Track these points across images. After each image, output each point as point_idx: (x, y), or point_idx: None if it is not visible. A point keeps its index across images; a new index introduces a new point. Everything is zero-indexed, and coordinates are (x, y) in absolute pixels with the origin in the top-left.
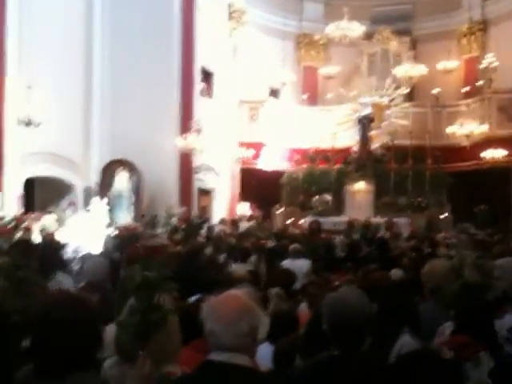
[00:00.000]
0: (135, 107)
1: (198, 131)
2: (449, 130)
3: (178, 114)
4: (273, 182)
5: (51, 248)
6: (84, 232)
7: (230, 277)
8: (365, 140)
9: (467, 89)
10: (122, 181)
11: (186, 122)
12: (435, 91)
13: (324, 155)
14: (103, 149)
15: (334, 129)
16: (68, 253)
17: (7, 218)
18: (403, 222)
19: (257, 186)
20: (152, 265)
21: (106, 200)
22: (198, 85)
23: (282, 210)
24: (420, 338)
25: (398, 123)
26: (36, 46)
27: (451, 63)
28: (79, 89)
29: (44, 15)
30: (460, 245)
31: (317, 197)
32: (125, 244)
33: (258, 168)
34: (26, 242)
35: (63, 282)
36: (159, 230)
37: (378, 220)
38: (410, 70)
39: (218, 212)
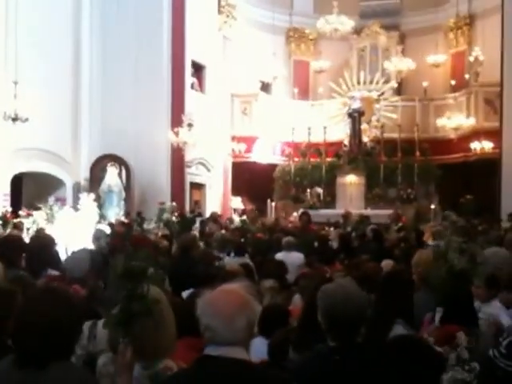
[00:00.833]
0: (125, 102)
1: (190, 125)
2: (437, 123)
3: (169, 108)
4: (265, 176)
5: (41, 244)
6: (73, 228)
7: (223, 271)
8: (355, 133)
9: (454, 82)
10: (112, 176)
11: (177, 116)
12: (424, 84)
13: (315, 149)
14: (93, 144)
15: (325, 122)
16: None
17: None
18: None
19: (249, 179)
20: (137, 255)
21: (94, 196)
22: (189, 79)
23: (275, 203)
24: (413, 328)
25: (388, 117)
26: (23, 39)
27: (439, 57)
28: (68, 83)
29: (32, 8)
30: (443, 232)
31: (309, 190)
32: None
33: (251, 162)
34: (14, 239)
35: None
36: (148, 227)
37: (376, 212)
38: (398, 64)
39: (211, 206)
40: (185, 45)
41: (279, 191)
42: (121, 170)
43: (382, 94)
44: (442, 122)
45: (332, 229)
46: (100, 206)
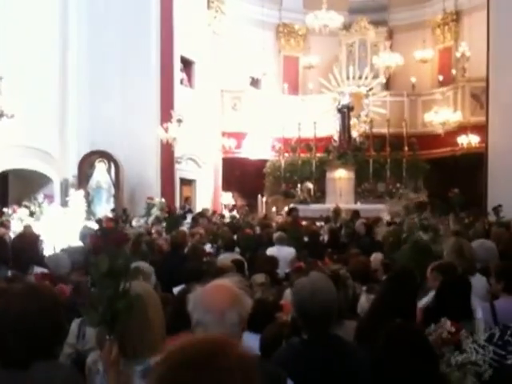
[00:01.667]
0: (114, 97)
1: (179, 121)
2: (425, 118)
3: (158, 103)
4: (255, 172)
5: (26, 242)
6: (61, 225)
7: (214, 266)
8: (345, 129)
9: (442, 77)
10: (100, 173)
11: (166, 112)
12: (412, 80)
13: (305, 144)
14: (81, 140)
15: (314, 118)
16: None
17: None
18: (383, 208)
19: (240, 175)
20: (119, 253)
21: (82, 192)
22: (178, 74)
23: (265, 199)
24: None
25: (376, 112)
26: (10, 35)
27: (426, 53)
28: (55, 79)
29: (18, 4)
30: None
31: (299, 185)
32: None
33: (241, 157)
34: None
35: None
36: (137, 223)
37: (366, 207)
38: (387, 59)
39: (201, 202)
40: (174, 40)
41: (270, 187)
42: (109, 167)
43: (371, 89)
44: (429, 116)
45: (323, 223)
46: (89, 203)
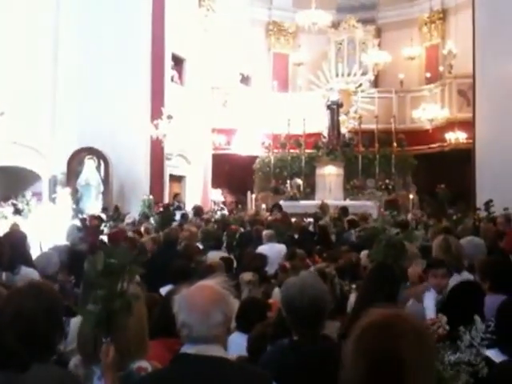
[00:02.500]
0: (104, 94)
1: (169, 117)
2: (413, 114)
3: (149, 100)
4: (245, 168)
5: (14, 241)
6: (49, 224)
7: (202, 264)
8: (334, 125)
9: (429, 74)
10: (89, 170)
11: (156, 109)
12: (400, 76)
13: (295, 140)
14: (70, 137)
15: (304, 114)
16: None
17: None
18: (371, 205)
19: (229, 172)
20: (115, 252)
21: (69, 190)
22: (169, 71)
23: (255, 195)
24: None
25: (365, 108)
26: None
27: (414, 50)
28: (45, 75)
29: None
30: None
31: (289, 181)
32: (90, 234)
33: (231, 154)
34: None
35: (28, 275)
36: (128, 221)
37: (355, 203)
38: (375, 57)
39: (191, 199)
40: (165, 38)
41: (259, 183)
42: (99, 164)
43: (360, 86)
44: (417, 113)
45: (311, 220)
46: (77, 200)
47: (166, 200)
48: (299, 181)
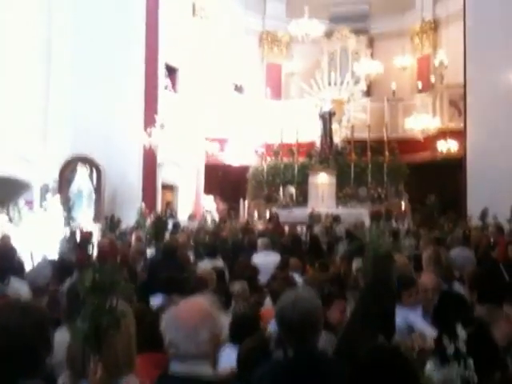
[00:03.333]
0: (97, 102)
1: (162, 126)
2: (405, 123)
3: (142, 109)
4: (238, 176)
5: (3, 252)
6: (40, 232)
7: (193, 275)
8: (327, 134)
9: (421, 84)
10: (82, 178)
11: (149, 118)
12: (392, 86)
13: (288, 149)
14: (62, 145)
15: (297, 123)
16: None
17: None
18: (364, 212)
19: (222, 180)
20: (104, 268)
21: (59, 198)
22: (163, 80)
23: (248, 203)
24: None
25: (357, 117)
26: None
27: (406, 60)
28: (37, 83)
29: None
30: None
31: (281, 189)
32: (81, 246)
33: (224, 162)
34: None
35: (18, 288)
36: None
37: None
38: (367, 66)
39: (183, 207)
40: (158, 46)
41: (252, 191)
42: (91, 172)
43: (352, 95)
44: (409, 123)
45: (304, 228)
46: (69, 209)
47: (159, 208)
48: (292, 189)
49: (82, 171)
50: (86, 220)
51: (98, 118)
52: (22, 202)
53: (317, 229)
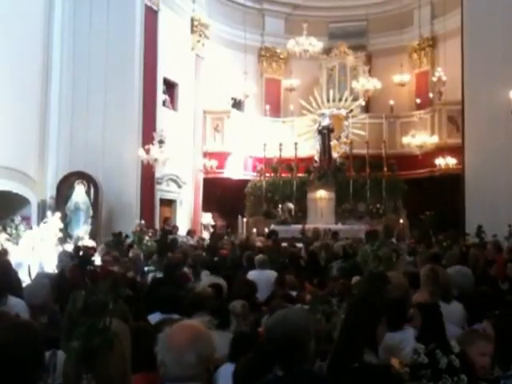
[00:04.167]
0: (95, 118)
1: (161, 142)
2: (403, 140)
3: (140, 125)
4: (237, 192)
5: (1, 270)
6: (38, 248)
7: (191, 293)
8: (325, 150)
9: (419, 101)
10: (79, 194)
11: (148, 134)
12: (391, 102)
13: (287, 165)
14: (60, 161)
15: (296, 139)
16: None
17: None
18: (363, 229)
19: (221, 196)
20: (98, 289)
21: (59, 214)
22: (161, 96)
23: (246, 219)
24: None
25: (356, 133)
26: None
27: (404, 77)
28: (36, 99)
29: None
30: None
31: (280, 205)
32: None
33: (222, 178)
34: None
35: (15, 306)
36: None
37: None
38: (365, 83)
39: (181, 223)
40: (157, 63)
41: (251, 207)
42: (89, 188)
43: (351, 111)
44: (407, 139)
45: (302, 245)
46: (66, 225)
47: (157, 224)
48: (291, 205)
49: (79, 187)
50: (83, 236)
51: (96, 135)
52: (18, 218)
53: (315, 245)
